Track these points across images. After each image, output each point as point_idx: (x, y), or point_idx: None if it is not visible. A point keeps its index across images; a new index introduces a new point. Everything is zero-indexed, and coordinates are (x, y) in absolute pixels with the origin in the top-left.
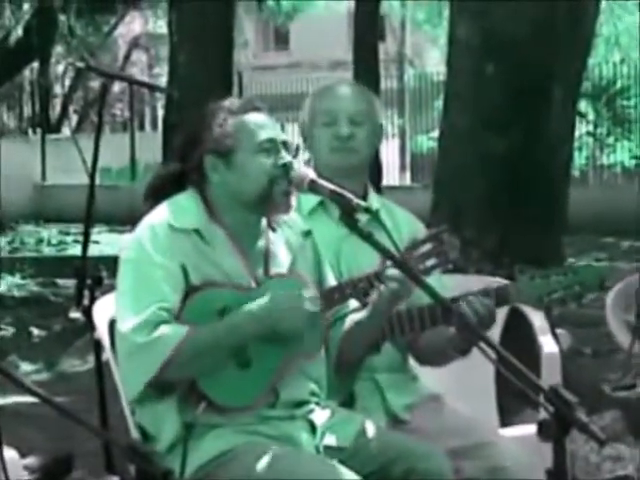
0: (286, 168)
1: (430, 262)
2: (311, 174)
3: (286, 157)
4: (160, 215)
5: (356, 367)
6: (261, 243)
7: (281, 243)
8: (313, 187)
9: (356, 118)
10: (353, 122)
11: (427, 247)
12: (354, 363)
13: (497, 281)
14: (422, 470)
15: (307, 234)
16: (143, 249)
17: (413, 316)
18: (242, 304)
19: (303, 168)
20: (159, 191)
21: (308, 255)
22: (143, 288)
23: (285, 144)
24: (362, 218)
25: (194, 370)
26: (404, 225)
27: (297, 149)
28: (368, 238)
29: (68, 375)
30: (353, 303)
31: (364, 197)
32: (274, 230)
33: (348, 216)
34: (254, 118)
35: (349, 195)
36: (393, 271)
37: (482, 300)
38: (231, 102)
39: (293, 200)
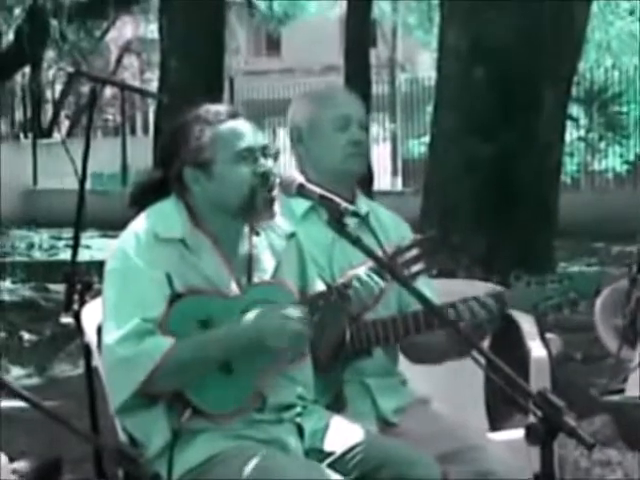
0: (266, 175)
1: (416, 267)
2: (300, 178)
3: (265, 164)
4: (144, 223)
5: (335, 368)
6: (245, 249)
7: (265, 247)
8: (302, 192)
9: (363, 123)
10: (361, 127)
11: (413, 252)
12: (324, 363)
13: (488, 286)
14: (410, 477)
15: (290, 236)
16: (128, 258)
17: (408, 321)
18: (226, 312)
19: (292, 172)
20: (143, 198)
21: (292, 258)
22: (128, 299)
23: (264, 149)
24: (351, 222)
25: (177, 383)
26: (391, 228)
27: (277, 153)
28: (356, 242)
29: (59, 380)
30: None
31: (353, 201)
32: (258, 234)
33: (336, 221)
34: (230, 127)
35: (338, 199)
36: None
37: (482, 302)
38: (206, 111)
39: (277, 207)
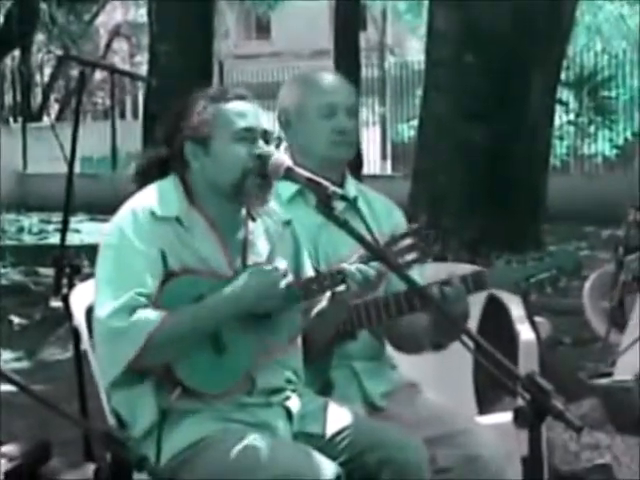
0: (262, 159)
1: (410, 256)
2: (287, 161)
3: (263, 147)
4: (142, 201)
5: (327, 355)
6: (241, 232)
7: (261, 233)
8: (289, 175)
9: (352, 110)
10: (349, 114)
11: (407, 242)
12: (321, 352)
13: (475, 268)
14: (399, 460)
15: (287, 224)
16: (124, 235)
17: (389, 302)
18: None
19: (280, 155)
20: (146, 174)
21: (287, 245)
22: (122, 274)
23: (265, 134)
24: (338, 206)
25: (171, 354)
26: (382, 212)
27: (279, 139)
28: (344, 226)
29: (49, 363)
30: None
31: (341, 185)
32: (254, 219)
33: (324, 204)
34: (234, 106)
35: (325, 183)
36: (354, 272)
37: (453, 285)
38: (214, 90)
39: (271, 192)
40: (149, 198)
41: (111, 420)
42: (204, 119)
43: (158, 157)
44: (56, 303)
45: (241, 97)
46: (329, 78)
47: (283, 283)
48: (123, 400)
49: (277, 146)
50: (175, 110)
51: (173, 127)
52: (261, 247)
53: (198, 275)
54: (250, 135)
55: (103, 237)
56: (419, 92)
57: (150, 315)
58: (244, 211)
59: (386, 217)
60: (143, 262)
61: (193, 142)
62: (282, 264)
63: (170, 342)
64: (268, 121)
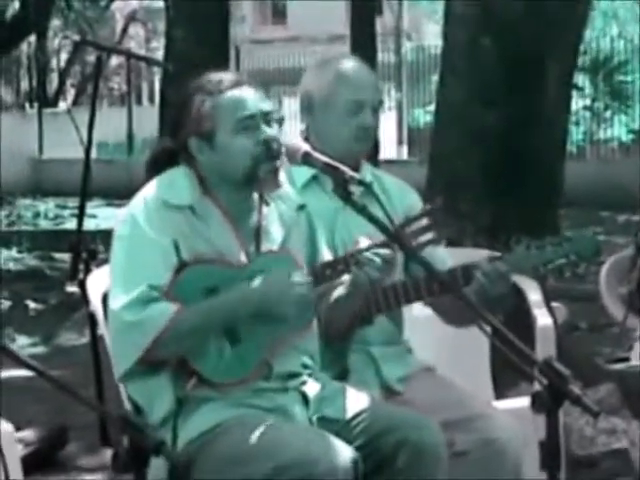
0: (267, 143)
1: (424, 238)
2: (305, 146)
3: (267, 131)
4: (154, 190)
5: (347, 339)
6: (254, 218)
7: (274, 217)
8: (307, 160)
9: (377, 106)
10: (374, 110)
11: (421, 223)
12: (342, 335)
13: (493, 253)
14: (415, 441)
15: (301, 208)
16: (136, 225)
17: (408, 288)
18: (233, 281)
19: (297, 140)
20: (156, 166)
21: (302, 229)
22: (135, 265)
23: (267, 116)
24: (355, 191)
25: (183, 348)
26: (396, 195)
27: (282, 119)
28: (362, 210)
29: (65, 348)
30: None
31: (357, 170)
32: (267, 204)
33: (342, 188)
34: (231, 96)
35: (343, 167)
36: (372, 257)
37: (491, 266)
38: (208, 81)
39: (281, 176)
40: (161, 187)
41: (128, 406)
42: (204, 114)
43: (167, 148)
44: (72, 288)
45: (236, 84)
46: (360, 72)
47: (300, 291)
48: (140, 389)
49: (280, 125)
50: (175, 105)
51: (176, 122)
52: (275, 233)
53: (211, 264)
54: (252, 122)
55: (116, 227)
56: (435, 77)
57: (163, 309)
58: (256, 196)
59: (400, 199)
60: (155, 253)
61: (197, 137)
62: (303, 276)
63: (182, 337)
64: (266, 100)
